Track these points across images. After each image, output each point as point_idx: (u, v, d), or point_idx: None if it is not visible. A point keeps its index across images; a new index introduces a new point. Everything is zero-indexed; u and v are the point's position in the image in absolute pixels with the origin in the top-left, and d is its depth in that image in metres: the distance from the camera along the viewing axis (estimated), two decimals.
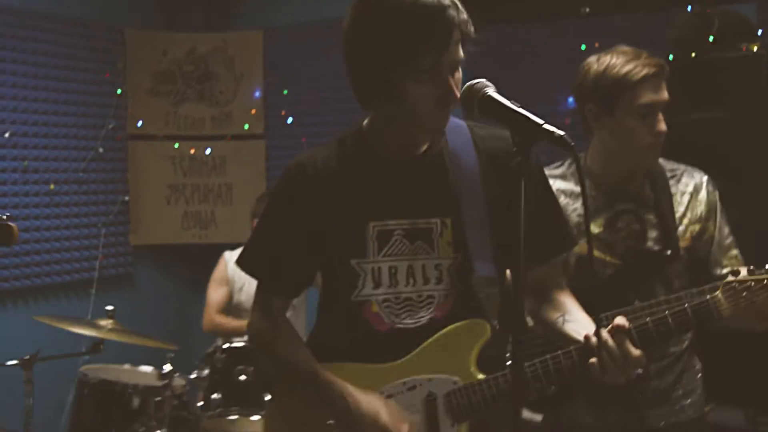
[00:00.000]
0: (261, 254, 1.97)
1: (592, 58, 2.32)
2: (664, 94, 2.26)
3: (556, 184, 2.36)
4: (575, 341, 1.83)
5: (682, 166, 2.40)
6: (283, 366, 1.98)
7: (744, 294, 1.89)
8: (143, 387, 3.63)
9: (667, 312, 1.86)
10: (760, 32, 3.67)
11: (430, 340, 1.86)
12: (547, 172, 2.38)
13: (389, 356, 1.87)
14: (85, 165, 4.91)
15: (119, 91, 5.09)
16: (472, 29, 1.74)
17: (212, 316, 4.36)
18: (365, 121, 1.93)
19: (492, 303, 1.87)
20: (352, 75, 1.79)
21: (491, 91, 1.56)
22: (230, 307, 4.37)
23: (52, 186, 4.72)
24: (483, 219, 1.85)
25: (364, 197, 1.87)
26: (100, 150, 4.98)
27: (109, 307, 3.75)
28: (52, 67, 4.73)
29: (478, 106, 1.57)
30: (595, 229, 2.32)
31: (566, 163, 2.44)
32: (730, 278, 1.92)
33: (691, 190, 2.35)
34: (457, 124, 1.90)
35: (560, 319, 1.93)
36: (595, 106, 2.29)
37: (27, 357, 3.58)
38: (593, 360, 1.75)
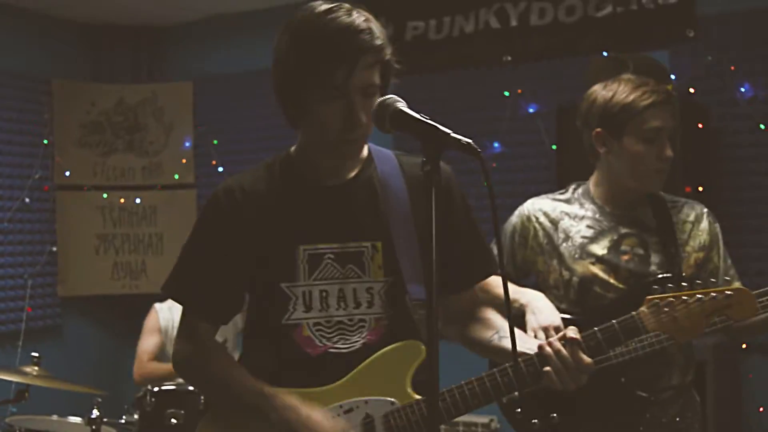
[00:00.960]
0: (187, 279, 1.93)
1: (598, 86, 2.37)
2: (671, 120, 2.31)
3: (560, 208, 2.41)
4: (519, 354, 1.85)
5: (682, 199, 2.44)
6: (218, 384, 1.91)
7: (666, 310, 1.95)
8: None
9: (596, 328, 1.94)
10: (673, 77, 3.87)
11: (365, 362, 1.86)
12: (551, 197, 2.46)
13: (323, 380, 1.85)
14: (11, 215, 4.85)
15: (45, 141, 5.06)
16: (392, 59, 1.81)
17: (143, 364, 4.29)
18: (293, 147, 1.96)
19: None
20: (276, 94, 1.84)
21: (401, 105, 1.60)
22: (163, 357, 4.31)
23: None
24: (413, 242, 1.86)
25: (294, 221, 1.87)
26: (27, 200, 4.93)
27: (35, 354, 3.69)
28: None
29: (389, 119, 1.59)
30: (599, 251, 2.34)
31: (570, 189, 2.47)
32: (653, 295, 1.99)
33: (692, 219, 2.38)
34: (384, 153, 1.95)
35: (495, 336, 1.96)
36: (602, 130, 2.32)
37: None
38: (547, 368, 1.85)
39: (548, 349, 1.86)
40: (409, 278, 1.85)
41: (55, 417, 3.91)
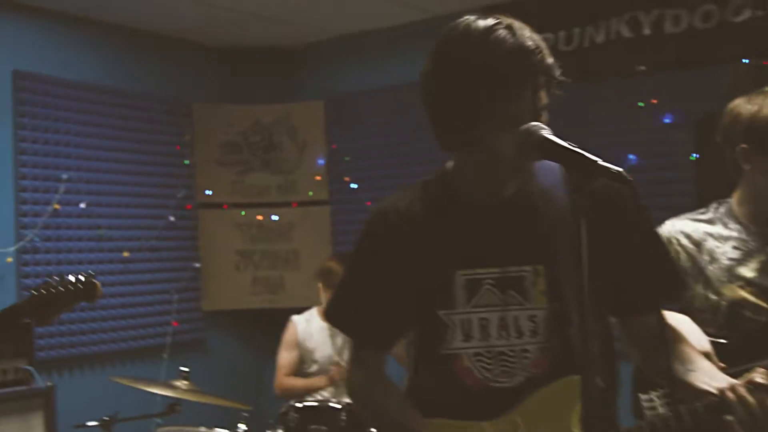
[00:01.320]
0: (348, 308, 1.89)
1: (741, 100, 2.28)
2: None
3: (702, 228, 2.32)
4: (702, 392, 1.69)
5: None
6: (378, 415, 1.89)
7: None
8: None
9: None
10: None
11: (528, 398, 1.74)
12: (691, 217, 2.35)
13: (483, 414, 1.73)
14: (158, 233, 5.09)
15: (187, 162, 5.29)
16: (557, 73, 1.71)
17: (282, 379, 4.43)
18: (449, 164, 1.85)
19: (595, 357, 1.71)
20: (432, 121, 1.75)
21: (547, 132, 1.56)
22: (301, 370, 4.44)
23: (126, 253, 4.90)
24: (578, 265, 1.68)
25: (451, 244, 1.77)
26: (171, 219, 5.16)
27: (184, 369, 3.86)
28: (127, 140, 4.97)
29: (535, 148, 1.57)
30: (748, 273, 2.25)
31: (712, 208, 2.38)
32: None
33: None
34: (548, 164, 1.76)
35: (681, 368, 1.77)
36: (748, 147, 2.23)
37: (107, 418, 3.70)
38: (729, 417, 1.63)
39: (731, 394, 1.63)
40: (574, 305, 1.70)
41: (203, 429, 4.08)
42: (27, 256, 4.44)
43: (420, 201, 1.83)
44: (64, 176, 4.60)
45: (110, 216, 4.85)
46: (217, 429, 4.06)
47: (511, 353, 1.74)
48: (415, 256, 1.78)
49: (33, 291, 2.21)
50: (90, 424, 3.71)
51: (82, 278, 2.18)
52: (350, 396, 2.00)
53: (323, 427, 3.55)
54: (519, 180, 1.78)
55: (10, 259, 4.35)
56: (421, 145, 5.02)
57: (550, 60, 1.68)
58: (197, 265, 5.33)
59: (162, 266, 5.13)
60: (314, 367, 4.39)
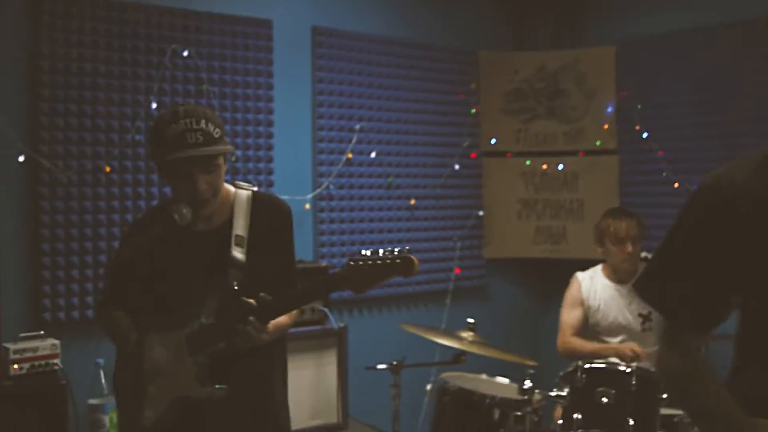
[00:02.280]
0: (666, 285, 1.80)
1: None
2: None
3: None
4: None
5: None
6: (702, 417, 1.80)
7: None
8: (501, 399, 3.71)
9: None
10: None
11: None
12: None
13: None
14: (443, 181, 5.16)
15: (473, 110, 5.28)
16: None
17: (567, 338, 4.34)
18: None
19: None
20: None
21: None
22: (586, 329, 4.33)
23: (412, 201, 5.02)
24: None
25: None
26: (456, 167, 5.20)
27: (470, 320, 3.90)
28: (415, 90, 5.06)
29: None
30: None
31: None
32: None
33: None
34: None
35: None
36: None
37: (395, 363, 3.84)
38: None
39: None
40: None
41: (484, 376, 4.13)
42: (322, 203, 4.68)
43: (760, 177, 1.67)
44: (357, 126, 4.77)
45: (398, 165, 4.98)
46: (498, 378, 4.10)
47: None
48: (750, 237, 1.65)
49: (350, 261, 2.25)
50: (380, 367, 3.88)
51: (400, 254, 2.20)
52: (664, 379, 1.95)
53: (612, 391, 3.44)
54: None
55: (307, 206, 4.61)
56: (719, 94, 4.72)
57: None
58: (480, 213, 5.35)
59: (446, 214, 5.21)
60: (598, 327, 4.27)
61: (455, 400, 3.89)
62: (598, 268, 4.39)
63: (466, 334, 3.86)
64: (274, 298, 2.34)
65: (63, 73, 3.85)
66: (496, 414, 3.66)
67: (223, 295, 2.44)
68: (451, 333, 3.92)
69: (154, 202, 4.05)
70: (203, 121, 2.39)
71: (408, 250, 2.21)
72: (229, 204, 2.56)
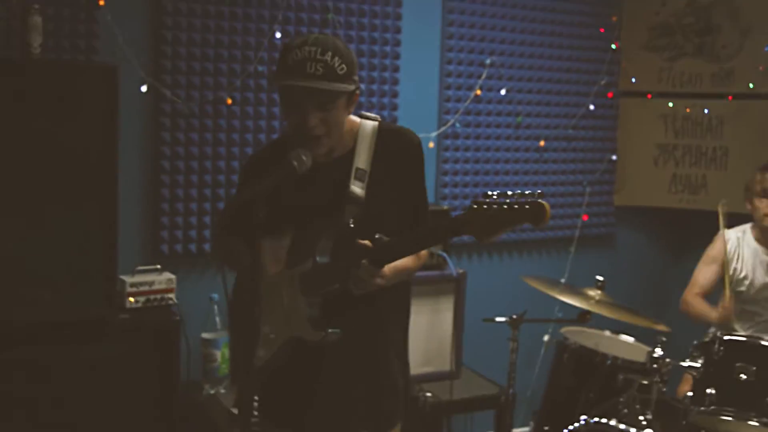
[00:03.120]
0: None
1: None
2: None
3: None
4: None
5: None
6: None
7: None
8: (625, 362, 3.51)
9: None
10: None
11: None
12: None
13: None
14: (575, 122, 4.85)
15: (613, 46, 4.91)
16: None
17: (690, 296, 4.06)
18: None
19: None
20: None
21: None
22: (718, 290, 4.00)
23: (542, 142, 4.75)
24: None
25: None
26: (591, 107, 4.88)
27: (600, 278, 3.67)
28: (550, 23, 4.72)
29: None
30: None
31: None
32: None
33: None
34: None
35: None
36: None
37: (515, 317, 3.67)
38: None
39: None
40: None
41: (607, 333, 3.92)
42: (447, 141, 4.47)
43: None
44: (488, 61, 4.50)
45: (529, 103, 4.69)
46: (622, 335, 3.88)
47: None
48: None
49: (473, 204, 1.97)
50: (498, 319, 3.71)
51: (530, 198, 1.92)
52: None
53: (752, 367, 3.17)
54: None
55: (431, 144, 4.41)
56: None
57: None
58: (613, 157, 5.03)
59: (576, 157, 4.91)
60: (742, 295, 3.96)
61: (575, 358, 3.72)
62: (748, 227, 4.06)
63: (594, 293, 3.64)
64: (391, 240, 2.16)
65: (186, 0, 3.73)
66: (620, 378, 3.46)
67: (339, 234, 2.29)
68: (577, 290, 3.70)
69: (275, 136, 3.94)
70: (329, 54, 2.19)
71: (540, 194, 1.96)
72: (353, 135, 2.39)
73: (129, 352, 3.35)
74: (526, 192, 1.94)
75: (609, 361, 3.57)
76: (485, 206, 1.95)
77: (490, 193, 1.96)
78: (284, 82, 2.21)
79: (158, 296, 3.48)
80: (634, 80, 4.99)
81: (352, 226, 2.28)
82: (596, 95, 4.89)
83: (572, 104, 4.84)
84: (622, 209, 5.12)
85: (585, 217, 4.94)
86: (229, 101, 3.85)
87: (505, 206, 1.93)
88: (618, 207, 5.10)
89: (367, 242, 2.17)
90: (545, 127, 4.77)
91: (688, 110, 4.96)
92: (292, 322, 2.34)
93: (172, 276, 3.55)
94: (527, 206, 1.90)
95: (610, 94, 4.95)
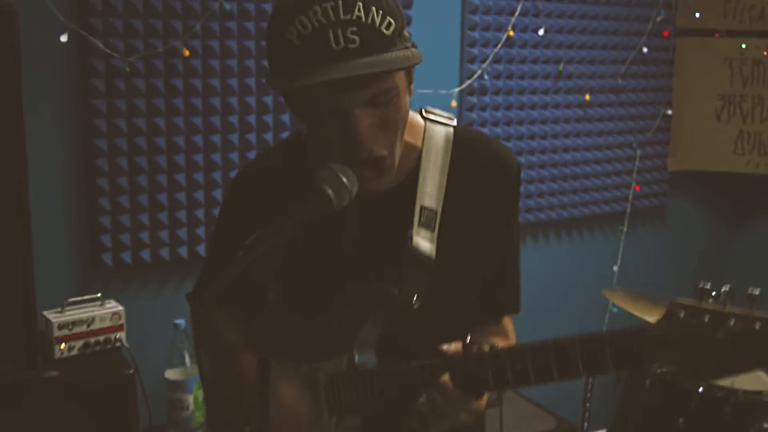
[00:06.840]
0: None
1: None
2: None
3: None
4: None
5: None
6: None
7: None
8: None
9: None
10: None
11: None
12: None
13: None
14: (625, 69, 3.86)
15: None
16: None
17: None
18: None
19: None
20: None
21: None
22: None
23: (587, 97, 3.75)
24: None
25: None
26: (645, 50, 3.88)
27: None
28: None
29: None
30: None
31: None
32: None
33: None
34: None
35: None
36: None
37: None
38: None
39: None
40: None
41: None
42: (472, 99, 3.45)
43: None
44: None
45: (571, 46, 3.68)
46: None
47: None
48: None
49: (673, 307, 1.17)
50: None
51: None
52: None
53: None
54: None
55: (454, 103, 3.40)
56: None
57: None
58: (669, 112, 4.05)
59: (626, 113, 3.93)
60: None
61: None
62: None
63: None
64: (515, 349, 1.25)
65: None
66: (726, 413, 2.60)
67: (393, 318, 1.36)
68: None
69: (269, 117, 2.90)
70: (360, 4, 1.18)
71: None
72: (414, 149, 1.42)
73: (62, 419, 2.35)
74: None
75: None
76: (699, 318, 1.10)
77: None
78: (296, 82, 1.19)
79: (100, 338, 2.46)
80: (698, 15, 3.97)
81: (416, 306, 1.33)
82: (650, 35, 3.89)
83: (622, 47, 3.84)
84: (678, 175, 4.16)
85: (637, 188, 3.99)
86: (186, 53, 2.79)
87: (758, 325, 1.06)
88: (672, 173, 4.14)
89: (454, 346, 1.28)
90: (590, 76, 3.77)
91: (765, 53, 3.97)
92: None
93: (119, 308, 2.53)
94: None
95: (665, 33, 3.95)
